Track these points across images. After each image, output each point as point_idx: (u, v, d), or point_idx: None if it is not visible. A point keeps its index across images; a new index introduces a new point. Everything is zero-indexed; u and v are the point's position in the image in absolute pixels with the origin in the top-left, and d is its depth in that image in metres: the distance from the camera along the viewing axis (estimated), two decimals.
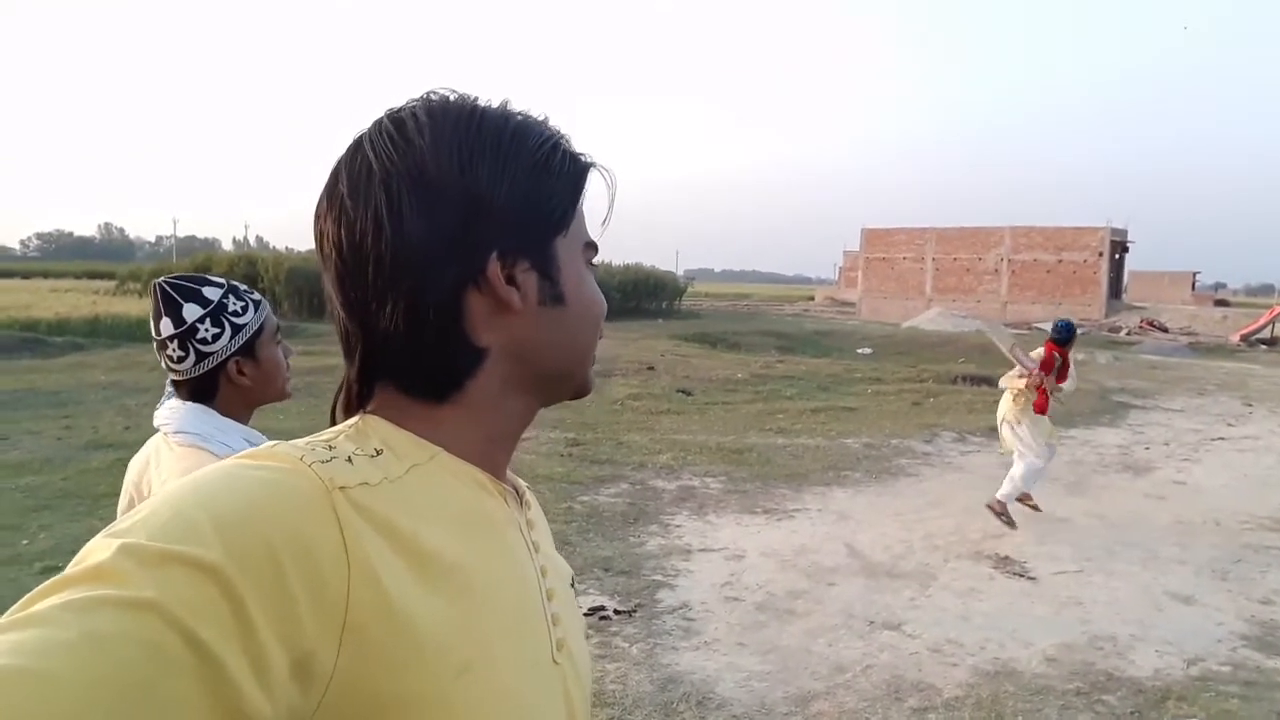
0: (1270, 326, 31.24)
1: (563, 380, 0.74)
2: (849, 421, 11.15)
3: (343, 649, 0.53)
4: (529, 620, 0.68)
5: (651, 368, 14.64)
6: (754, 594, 5.11)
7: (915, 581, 5.44)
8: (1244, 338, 30.53)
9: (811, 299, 63.45)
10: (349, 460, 0.61)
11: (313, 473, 0.57)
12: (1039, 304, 39.50)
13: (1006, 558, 5.95)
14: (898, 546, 6.12)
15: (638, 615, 4.70)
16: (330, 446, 0.62)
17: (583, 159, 0.73)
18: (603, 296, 0.75)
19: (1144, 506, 7.56)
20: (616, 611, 4.71)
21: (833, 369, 16.76)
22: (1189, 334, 33.37)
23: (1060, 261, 40.42)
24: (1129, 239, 43.60)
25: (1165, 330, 34.47)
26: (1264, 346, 28.79)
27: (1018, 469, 6.75)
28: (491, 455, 0.71)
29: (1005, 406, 7.08)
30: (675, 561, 5.60)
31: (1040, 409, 6.88)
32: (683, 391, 12.98)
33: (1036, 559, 5.95)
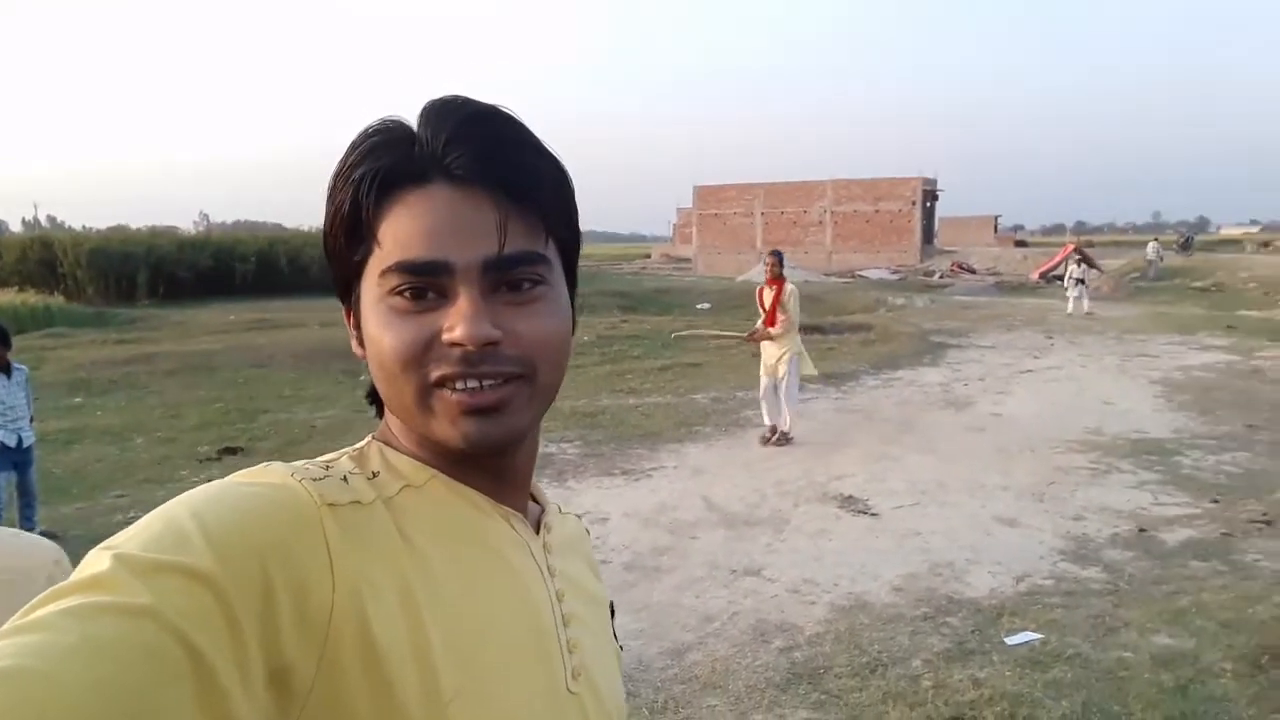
0: (1064, 263, 34.10)
1: (413, 429, 0.67)
2: (695, 377, 11.44)
3: (322, 665, 0.52)
4: (536, 646, 0.66)
5: None
6: (620, 555, 5.22)
7: (770, 527, 5.70)
8: (1042, 275, 33.22)
9: (648, 256, 64.30)
10: (344, 479, 0.61)
11: (302, 489, 0.57)
12: (861, 253, 41.55)
13: (850, 497, 6.31)
14: (751, 495, 6.38)
15: None
16: (326, 467, 0.62)
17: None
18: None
19: (967, 439, 8.18)
20: None
21: (676, 326, 17.10)
22: (995, 274, 36.00)
23: (878, 211, 42.58)
24: (939, 187, 46.44)
25: (974, 272, 37.03)
26: (1060, 282, 31.40)
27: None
28: (488, 481, 0.69)
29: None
30: None
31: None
32: None
33: (877, 496, 6.35)
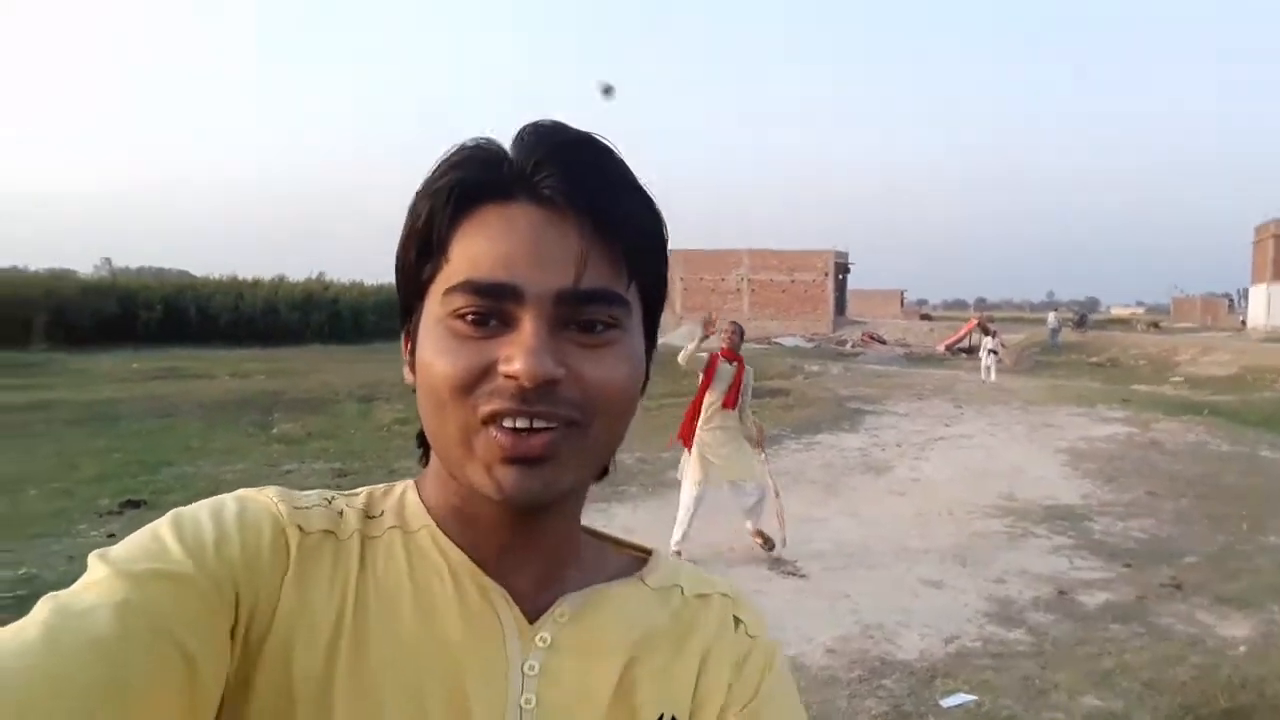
0: (969, 337, 35.45)
1: (450, 470, 0.61)
2: None
3: (244, 683, 0.55)
4: None
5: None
6: None
7: None
8: (948, 347, 34.50)
9: None
10: (340, 513, 0.63)
11: (280, 512, 0.60)
12: (777, 320, 42.50)
13: (779, 559, 6.32)
14: (682, 556, 6.33)
15: None
16: (329, 500, 0.64)
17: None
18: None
19: (888, 502, 8.32)
20: None
21: None
22: (903, 345, 37.21)
23: (793, 281, 43.76)
24: (850, 261, 48.04)
25: (884, 342, 38.20)
26: (965, 355, 32.58)
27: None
28: (483, 547, 0.63)
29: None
30: None
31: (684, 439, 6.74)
32: None
33: (805, 558, 6.37)
